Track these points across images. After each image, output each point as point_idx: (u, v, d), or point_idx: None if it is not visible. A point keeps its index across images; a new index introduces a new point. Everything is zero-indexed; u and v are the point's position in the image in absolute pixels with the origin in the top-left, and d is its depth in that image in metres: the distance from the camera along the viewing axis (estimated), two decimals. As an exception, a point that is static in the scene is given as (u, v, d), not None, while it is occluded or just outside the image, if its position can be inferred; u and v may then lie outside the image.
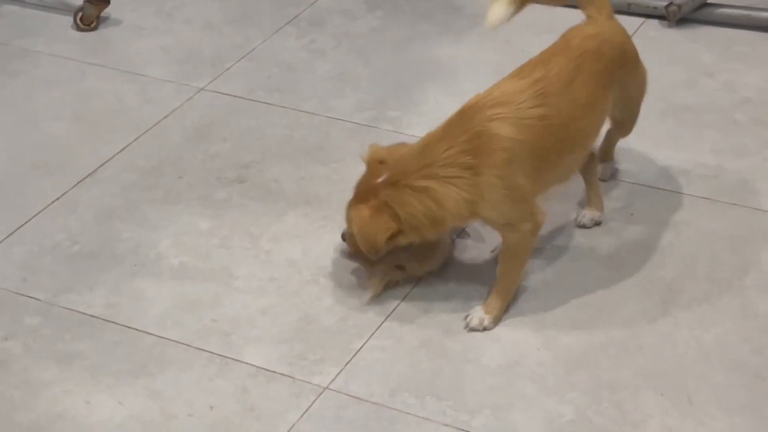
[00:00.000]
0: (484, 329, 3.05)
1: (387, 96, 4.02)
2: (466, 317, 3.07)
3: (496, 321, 3.07)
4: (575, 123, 3.04)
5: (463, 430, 2.79)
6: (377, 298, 3.16)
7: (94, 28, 4.45)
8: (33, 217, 3.52)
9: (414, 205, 2.95)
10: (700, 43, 4.25)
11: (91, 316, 3.15)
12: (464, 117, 2.98)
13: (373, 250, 3.02)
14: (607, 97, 3.14)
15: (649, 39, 4.26)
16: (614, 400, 2.85)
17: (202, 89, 4.11)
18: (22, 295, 3.23)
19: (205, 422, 2.83)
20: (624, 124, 3.37)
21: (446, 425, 2.81)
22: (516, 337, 3.04)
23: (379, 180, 3.00)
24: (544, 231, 3.10)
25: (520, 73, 3.07)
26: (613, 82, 3.14)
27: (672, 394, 2.86)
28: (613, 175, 3.54)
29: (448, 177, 2.93)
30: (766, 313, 3.08)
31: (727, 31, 4.30)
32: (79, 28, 4.44)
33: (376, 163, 3.06)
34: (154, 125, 3.92)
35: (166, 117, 3.96)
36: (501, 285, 3.08)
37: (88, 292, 3.23)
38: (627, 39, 3.24)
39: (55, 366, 3.00)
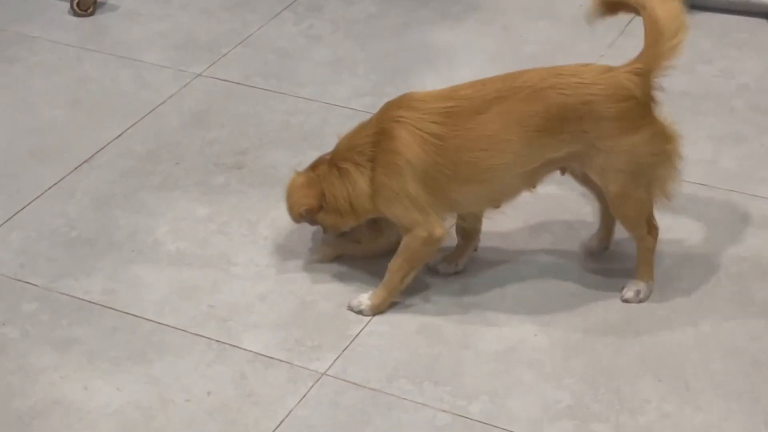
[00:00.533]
0: (360, 312, 3.07)
1: (384, 82, 4.01)
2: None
3: (374, 310, 3.07)
4: (470, 153, 2.92)
5: (460, 415, 2.80)
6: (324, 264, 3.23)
7: (91, 14, 4.44)
8: (30, 202, 3.51)
9: (337, 186, 3.04)
10: (698, 29, 4.24)
11: (89, 302, 3.15)
12: (384, 108, 3.04)
13: (291, 216, 3.13)
14: (530, 141, 2.90)
15: (647, 25, 4.25)
16: (611, 386, 2.86)
17: (199, 75, 4.10)
18: (19, 280, 3.23)
19: (203, 408, 2.83)
20: (613, 203, 3.02)
21: (444, 411, 2.81)
22: (513, 323, 3.04)
23: (328, 156, 3.10)
24: (545, 218, 3.10)
25: (464, 84, 3.03)
26: (553, 132, 2.89)
27: (669, 380, 2.87)
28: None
29: (359, 164, 3.00)
30: (764, 300, 3.09)
31: (725, 18, 4.29)
32: (76, 14, 4.43)
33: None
34: (151, 111, 3.92)
35: (163, 103, 3.96)
36: (387, 279, 3.08)
37: (85, 278, 3.23)
38: (608, 99, 2.89)
39: (52, 352, 3.00)
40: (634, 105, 2.91)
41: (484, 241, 3.26)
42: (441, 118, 2.93)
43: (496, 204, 3.08)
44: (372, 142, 2.99)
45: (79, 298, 3.16)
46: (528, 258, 3.24)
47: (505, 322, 3.05)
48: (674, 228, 3.32)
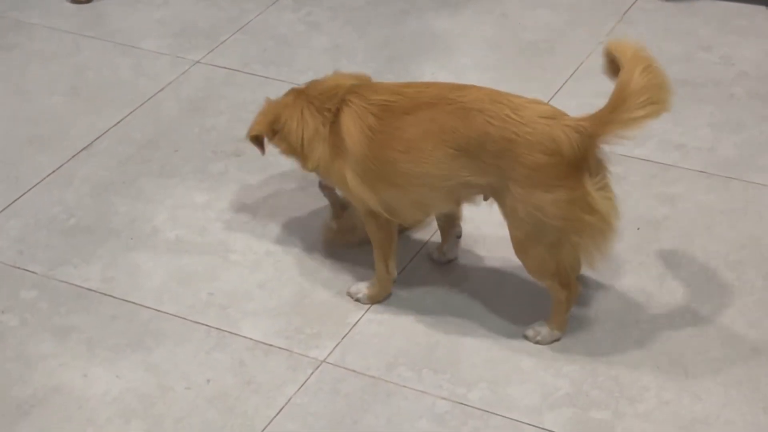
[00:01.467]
0: (357, 300, 3.07)
1: (383, 69, 4.00)
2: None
3: (372, 299, 3.07)
4: (390, 152, 2.84)
5: (459, 403, 2.80)
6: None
7: (89, 1, 4.43)
8: (29, 190, 3.51)
9: (294, 119, 3.00)
10: (697, 16, 4.24)
11: (88, 289, 3.15)
12: (351, 85, 2.97)
13: (251, 135, 3.10)
14: (445, 157, 2.78)
15: (646, 12, 4.25)
16: (610, 374, 2.86)
17: (198, 62, 4.09)
18: (18, 268, 3.23)
19: (202, 395, 2.83)
20: (514, 247, 2.86)
21: (443, 398, 2.81)
22: (512, 310, 3.04)
23: (289, 95, 3.08)
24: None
25: (416, 82, 3.00)
26: (470, 156, 2.76)
27: (668, 368, 2.87)
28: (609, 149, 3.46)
29: (319, 122, 2.96)
30: (763, 287, 3.08)
31: (725, 5, 4.29)
32: (74, 1, 4.42)
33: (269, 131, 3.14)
34: (149, 98, 3.91)
35: (161, 90, 3.95)
36: (376, 270, 3.07)
37: (84, 266, 3.23)
38: (530, 146, 2.70)
39: (51, 339, 3.00)
40: (556, 162, 2.70)
41: (483, 229, 3.26)
42: (378, 111, 2.87)
43: (422, 213, 3.01)
44: (330, 117, 2.95)
45: (77, 286, 3.16)
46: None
47: (504, 310, 3.04)
48: (673, 216, 3.32)
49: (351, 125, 2.90)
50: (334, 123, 2.94)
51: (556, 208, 2.73)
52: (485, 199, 2.92)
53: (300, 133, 3.00)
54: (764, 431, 2.72)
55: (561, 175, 2.71)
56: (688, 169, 3.50)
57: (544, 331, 2.94)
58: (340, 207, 3.22)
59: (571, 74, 3.94)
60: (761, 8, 4.26)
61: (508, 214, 2.81)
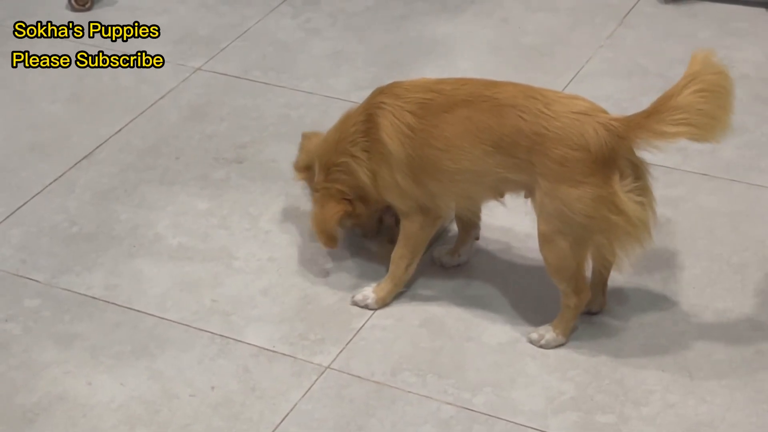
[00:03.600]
0: (366, 306, 3.06)
1: (383, 74, 4.00)
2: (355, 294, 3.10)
3: (381, 302, 3.06)
4: (430, 150, 2.86)
5: (464, 408, 2.80)
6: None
7: (89, 8, 4.43)
8: (31, 198, 3.51)
9: (345, 179, 3.00)
10: (697, 19, 4.24)
11: (91, 297, 3.15)
12: (372, 94, 3.00)
13: (328, 239, 3.05)
14: (482, 154, 2.80)
15: (646, 15, 4.25)
16: (615, 377, 2.86)
17: (198, 69, 4.09)
18: (21, 276, 3.22)
19: (207, 402, 2.83)
20: (539, 241, 2.84)
21: (448, 403, 2.81)
22: (516, 315, 3.04)
23: (316, 178, 3.08)
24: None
25: (450, 79, 2.97)
26: (505, 153, 2.78)
27: (673, 371, 2.87)
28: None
29: (355, 156, 2.97)
30: (766, 290, 3.08)
31: (724, 7, 4.29)
32: (74, 9, 4.42)
33: (306, 168, 3.19)
34: (150, 106, 3.91)
35: (162, 97, 3.95)
36: (391, 269, 3.07)
37: (87, 273, 3.22)
38: (558, 140, 2.72)
39: (55, 347, 3.00)
40: (582, 157, 2.70)
41: (487, 234, 3.26)
42: (417, 109, 2.87)
43: (469, 204, 3.01)
44: (362, 131, 2.95)
45: (81, 294, 3.16)
46: (530, 249, 3.23)
47: (508, 314, 3.04)
48: (675, 218, 3.32)
49: (389, 127, 2.90)
50: (370, 131, 2.92)
51: (581, 204, 2.72)
52: (526, 197, 2.91)
53: (351, 183, 3.00)
54: (770, 433, 2.72)
55: (587, 171, 2.71)
56: (690, 171, 3.50)
57: (548, 335, 2.94)
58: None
59: (572, 78, 3.94)
60: (761, 10, 4.27)
61: (538, 208, 2.81)
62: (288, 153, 3.63)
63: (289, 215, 3.40)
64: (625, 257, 2.83)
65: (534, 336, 2.95)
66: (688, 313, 3.03)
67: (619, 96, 3.81)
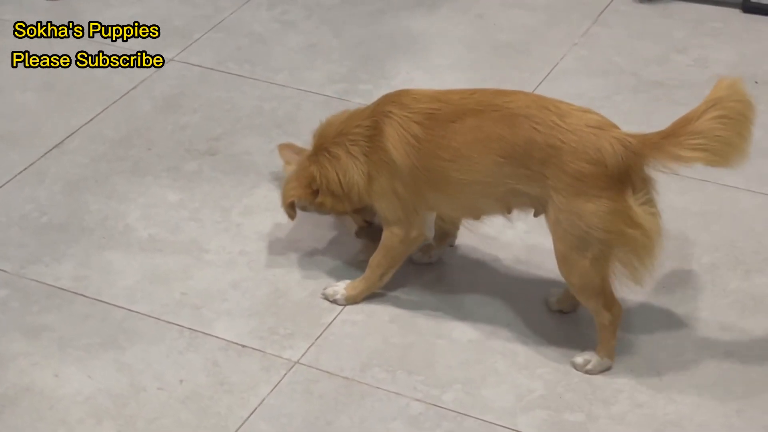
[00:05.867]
0: (334, 302, 3.06)
1: (358, 68, 3.99)
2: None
3: (350, 300, 3.06)
4: (437, 161, 2.82)
5: (434, 404, 2.79)
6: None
7: (62, -3, 4.40)
8: (0, 187, 3.48)
9: (329, 169, 2.98)
10: (672, 18, 4.25)
11: (60, 288, 3.13)
12: (380, 100, 2.97)
13: (286, 210, 3.07)
14: (492, 165, 2.77)
15: (621, 14, 4.25)
16: (584, 376, 2.86)
17: (172, 60, 4.07)
18: (-11, 266, 3.21)
19: (175, 396, 2.82)
20: (558, 263, 2.81)
21: (417, 400, 2.81)
22: (487, 312, 3.04)
23: (306, 154, 3.06)
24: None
25: (458, 89, 2.92)
26: (516, 164, 2.75)
27: (642, 370, 2.87)
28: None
29: (352, 154, 2.94)
30: (736, 290, 3.09)
31: (699, 7, 4.30)
32: (47, -2, 4.39)
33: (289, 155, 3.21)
34: (122, 96, 3.88)
35: (134, 88, 3.93)
36: (367, 274, 3.06)
37: (56, 264, 3.20)
38: (574, 153, 2.68)
39: (22, 338, 2.98)
40: (598, 172, 2.68)
41: (460, 232, 3.25)
42: (423, 119, 2.84)
43: (474, 216, 2.99)
44: (366, 136, 2.92)
45: (49, 285, 3.13)
46: (502, 248, 3.24)
47: (479, 312, 3.04)
48: (648, 218, 3.33)
49: (395, 137, 2.86)
50: (375, 137, 2.90)
51: (597, 219, 2.69)
52: (536, 215, 2.87)
53: (336, 176, 2.97)
54: (737, 434, 2.73)
55: (603, 185, 2.68)
56: (661, 171, 3.50)
57: (594, 359, 2.86)
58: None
59: (546, 75, 3.94)
60: (735, 11, 4.28)
61: (553, 226, 2.77)
62: (261, 146, 3.63)
63: (261, 209, 3.39)
64: (644, 270, 2.78)
65: (579, 360, 2.87)
66: (657, 312, 3.03)
67: (593, 94, 3.82)
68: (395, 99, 2.92)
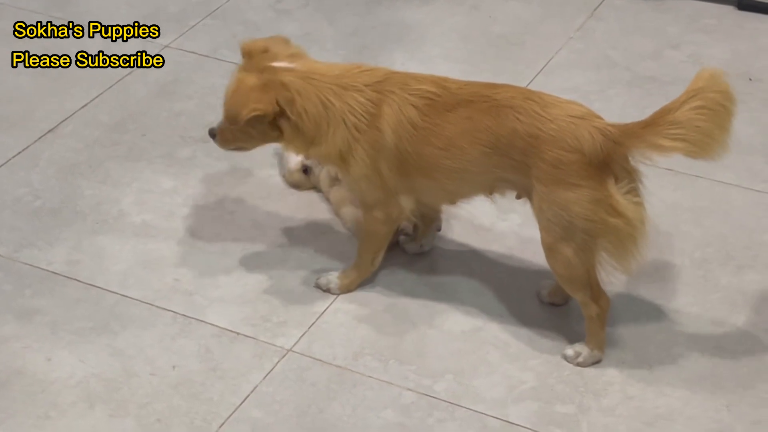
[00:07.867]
0: (328, 290, 3.06)
1: (353, 58, 3.99)
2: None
3: (344, 289, 3.06)
4: (430, 148, 2.83)
5: (425, 394, 2.80)
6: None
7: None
8: (-6, 171, 3.48)
9: (314, 103, 2.82)
10: (667, 14, 4.26)
11: (53, 272, 3.13)
12: (388, 77, 2.89)
13: (232, 119, 2.86)
14: (481, 154, 2.79)
15: (616, 9, 4.26)
16: (576, 368, 2.87)
17: (167, 46, 4.06)
18: (-18, 249, 3.20)
19: (167, 381, 2.82)
20: (545, 253, 2.82)
21: (409, 389, 2.82)
22: (479, 303, 3.05)
23: (280, 65, 2.84)
24: (512, 198, 3.09)
25: (455, 79, 2.91)
26: (502, 154, 2.77)
27: (633, 363, 2.89)
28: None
29: (347, 117, 2.83)
30: (727, 285, 3.11)
31: (694, 3, 4.30)
32: (41, -18, 4.37)
33: (259, 51, 2.89)
34: (117, 81, 3.88)
35: (129, 73, 3.92)
36: (357, 260, 3.07)
37: (49, 248, 3.20)
38: (553, 142, 2.70)
39: (15, 321, 2.98)
40: (577, 159, 2.68)
41: (452, 222, 3.26)
42: (421, 104, 2.84)
43: (451, 201, 3.01)
44: (367, 112, 2.84)
45: (42, 269, 3.13)
46: (495, 240, 3.24)
47: (472, 303, 3.05)
48: (640, 212, 3.34)
49: (392, 118, 2.85)
50: (374, 115, 2.85)
51: (579, 208, 2.70)
52: (518, 197, 2.89)
53: (319, 120, 2.82)
54: (727, 428, 2.74)
55: (582, 174, 2.69)
56: (654, 166, 3.50)
57: (584, 351, 2.88)
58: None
59: (541, 68, 3.95)
60: (730, 8, 4.28)
61: (537, 215, 2.78)
62: (255, 134, 3.62)
63: (254, 196, 3.39)
64: (630, 259, 2.78)
65: (570, 352, 2.89)
66: (649, 306, 3.05)
67: (587, 88, 3.83)
68: (399, 80, 2.87)
